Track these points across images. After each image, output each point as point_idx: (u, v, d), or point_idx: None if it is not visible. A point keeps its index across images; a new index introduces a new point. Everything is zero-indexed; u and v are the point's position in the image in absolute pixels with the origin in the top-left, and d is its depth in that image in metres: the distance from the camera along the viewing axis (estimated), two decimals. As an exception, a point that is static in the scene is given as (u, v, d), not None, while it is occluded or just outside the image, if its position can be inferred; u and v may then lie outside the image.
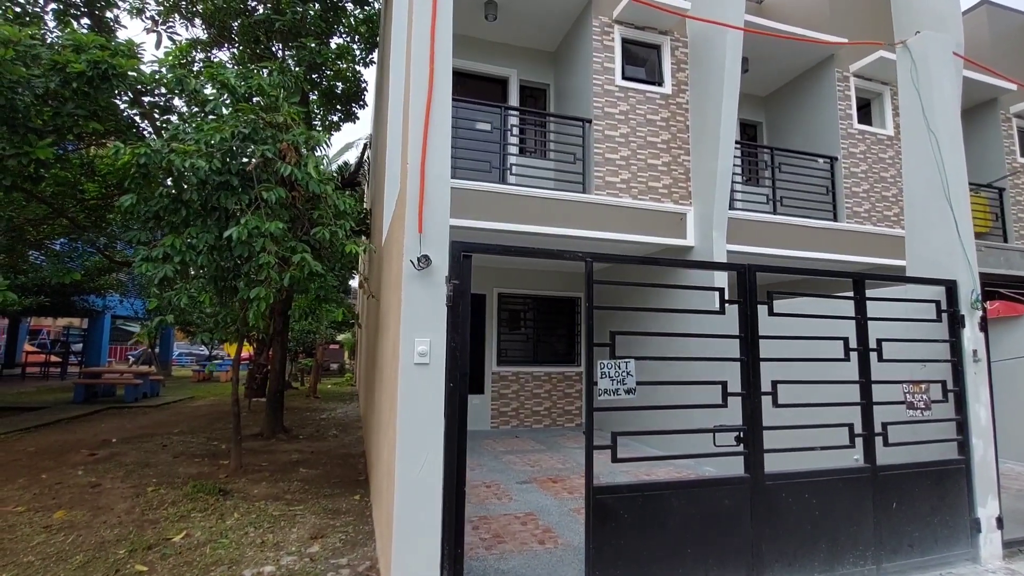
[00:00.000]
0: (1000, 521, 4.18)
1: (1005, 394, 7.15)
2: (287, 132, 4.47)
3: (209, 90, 4.94)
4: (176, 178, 4.25)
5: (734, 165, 8.84)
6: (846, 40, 8.57)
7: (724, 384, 3.49)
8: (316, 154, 4.94)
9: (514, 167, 7.83)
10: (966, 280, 4.34)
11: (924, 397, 4.07)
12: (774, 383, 3.60)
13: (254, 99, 5.01)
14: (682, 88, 7.80)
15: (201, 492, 5.28)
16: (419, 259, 2.82)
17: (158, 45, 6.09)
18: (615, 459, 3.19)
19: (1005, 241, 10.12)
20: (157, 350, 21.51)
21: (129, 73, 4.96)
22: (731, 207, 8.27)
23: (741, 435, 3.51)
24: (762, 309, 3.66)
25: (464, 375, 2.98)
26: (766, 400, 3.58)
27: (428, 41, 3.07)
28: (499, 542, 4.29)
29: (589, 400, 3.16)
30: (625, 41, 7.70)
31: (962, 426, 4.21)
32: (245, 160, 4.39)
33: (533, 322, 10.35)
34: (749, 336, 3.58)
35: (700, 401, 3.51)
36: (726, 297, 3.70)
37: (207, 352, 24.68)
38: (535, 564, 3.87)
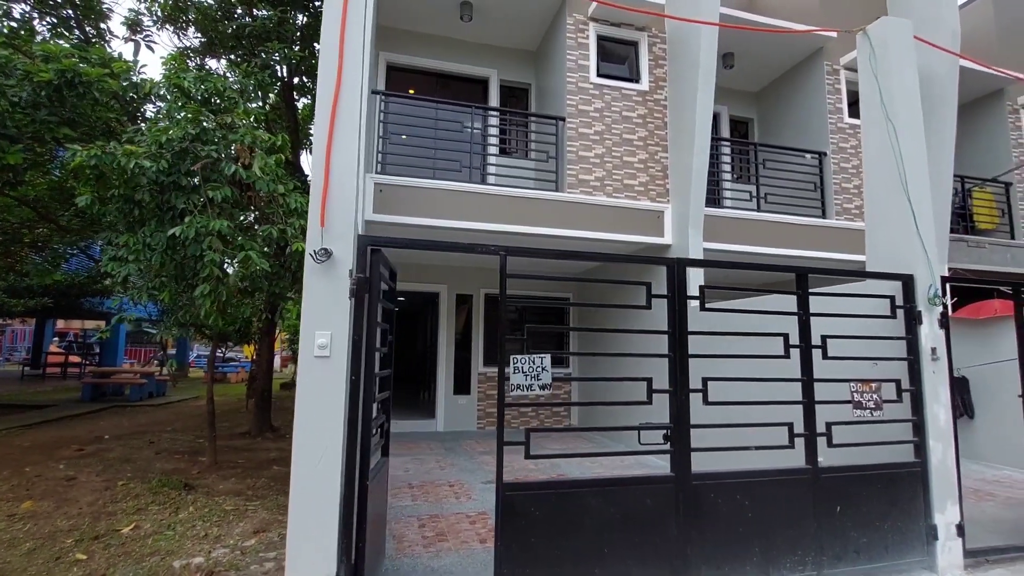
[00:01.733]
0: (961, 528, 3.99)
1: (1005, 397, 6.85)
2: (235, 132, 4.55)
3: (166, 93, 5.07)
4: (127, 179, 4.35)
5: (722, 163, 8.75)
6: (833, 31, 8.35)
7: (649, 381, 3.41)
8: (279, 155, 5.00)
9: (492, 167, 7.84)
10: (924, 275, 4.17)
11: (874, 397, 3.92)
12: (704, 380, 3.51)
13: (213, 101, 5.12)
14: (660, 84, 7.70)
15: (166, 487, 5.40)
16: (318, 252, 2.83)
17: (136, 53, 6.28)
18: (528, 456, 3.14)
19: (1012, 238, 9.71)
20: (174, 351, 22.06)
21: (100, 81, 5.11)
22: (719, 205, 8.16)
23: (668, 433, 3.43)
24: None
25: (371, 369, 2.99)
26: (696, 398, 3.49)
27: (338, 25, 3.08)
28: (440, 540, 4.27)
29: (500, 396, 3.13)
30: (601, 38, 7.63)
31: (919, 427, 4.04)
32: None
33: (522, 323, 10.31)
34: (677, 332, 3.50)
35: (635, 398, 3.44)
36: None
37: (222, 355, 25.20)
38: (467, 563, 3.84)
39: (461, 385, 9.69)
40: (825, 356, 3.83)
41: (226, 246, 4.53)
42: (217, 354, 26.55)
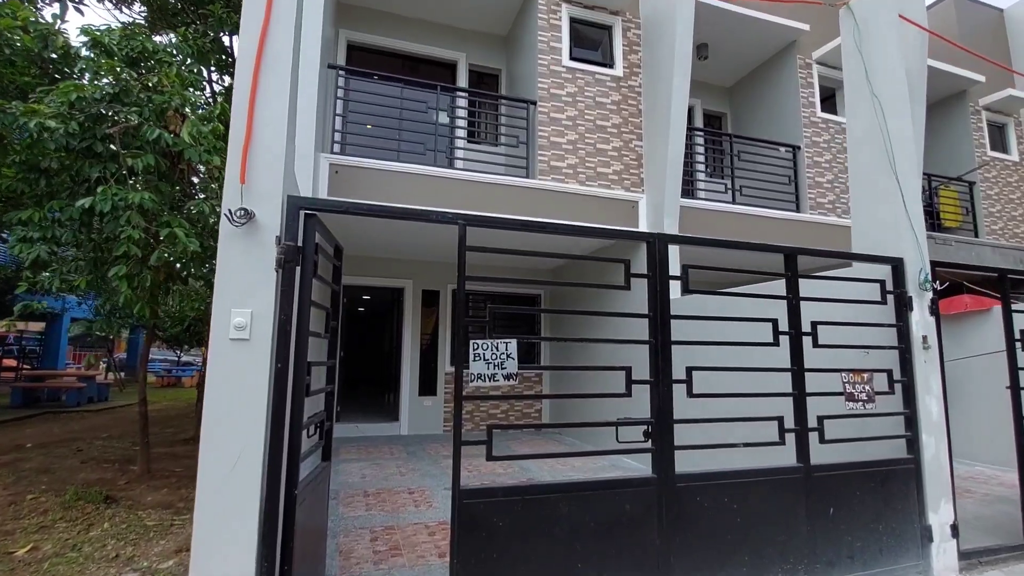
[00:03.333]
0: (955, 529, 3.73)
1: (973, 394, 6.75)
2: (162, 95, 3.99)
3: (88, 52, 4.46)
4: (30, 143, 3.75)
5: (696, 157, 8.51)
6: (806, 26, 8.25)
7: (628, 370, 3.02)
8: (217, 124, 4.44)
9: (460, 151, 7.40)
10: (913, 258, 3.92)
11: (866, 388, 3.63)
12: (689, 369, 3.14)
13: (142, 63, 4.53)
14: (635, 71, 7.40)
15: (82, 500, 4.74)
16: (235, 212, 2.34)
17: (63, 15, 5.61)
18: (489, 457, 2.71)
19: (976, 236, 9.79)
20: (123, 355, 20.78)
21: (9, 32, 4.46)
22: (694, 197, 7.90)
23: (649, 429, 3.04)
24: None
25: (303, 357, 2.50)
26: (681, 391, 3.11)
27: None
28: (394, 555, 3.79)
29: (458, 388, 2.69)
30: (574, 21, 7.29)
31: (911, 421, 3.77)
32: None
33: (491, 320, 9.86)
34: (659, 316, 3.12)
35: (612, 390, 3.04)
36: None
37: (178, 358, 23.95)
38: (423, 580, 3.37)
39: (427, 386, 9.17)
40: (816, 344, 3.52)
41: (150, 223, 3.95)
42: (172, 358, 25.23)
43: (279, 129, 2.52)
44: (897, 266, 3.92)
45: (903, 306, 3.89)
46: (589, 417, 7.47)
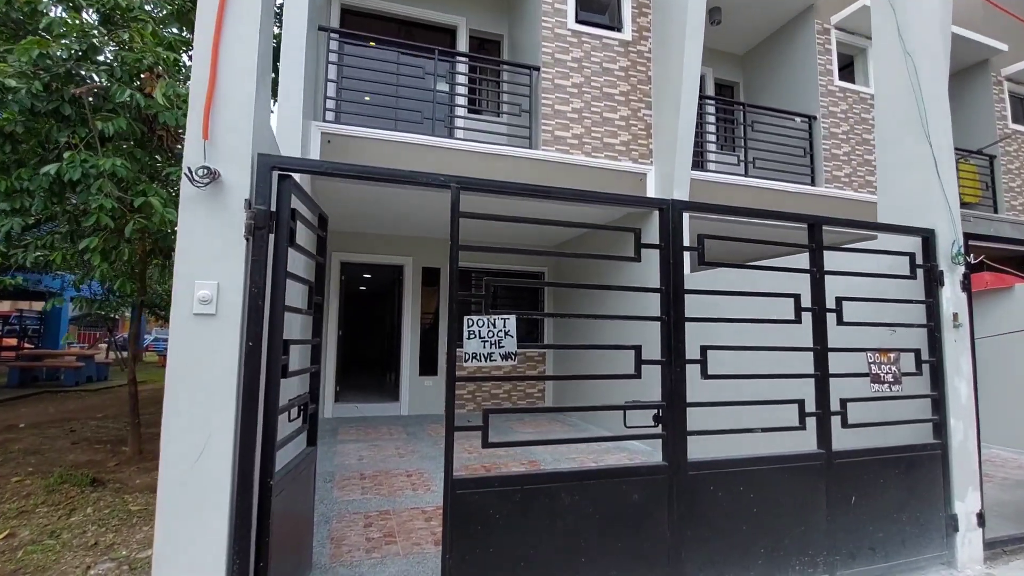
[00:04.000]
0: (981, 518, 3.51)
1: (992, 373, 6.48)
2: (133, 53, 3.68)
3: (58, 10, 4.13)
4: (-9, 104, 3.47)
5: (707, 128, 8.15)
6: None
7: (638, 349, 2.77)
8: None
9: (460, 121, 7.06)
10: (946, 230, 3.62)
11: (893, 369, 3.37)
12: (704, 348, 2.89)
13: (116, 18, 4.21)
14: (644, 34, 7.00)
15: (67, 483, 4.57)
16: (196, 171, 2.07)
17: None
18: (486, 444, 2.48)
19: (995, 211, 9.42)
20: (126, 336, 20.66)
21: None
22: (704, 169, 7.56)
23: (660, 413, 2.80)
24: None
25: (278, 333, 2.26)
26: (694, 372, 2.86)
27: None
28: (388, 542, 3.60)
29: (451, 368, 2.44)
30: (580, -20, 6.88)
31: (939, 404, 3.52)
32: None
33: (493, 298, 9.62)
34: (672, 290, 2.85)
35: (621, 370, 2.79)
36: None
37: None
38: (416, 571, 3.17)
39: (427, 366, 8.98)
40: (840, 321, 3.25)
41: (124, 192, 3.68)
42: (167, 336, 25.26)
43: (247, 79, 2.23)
44: (928, 238, 3.63)
45: (933, 281, 3.61)
46: (596, 398, 7.24)
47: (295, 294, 2.65)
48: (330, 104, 6.05)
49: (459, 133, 6.86)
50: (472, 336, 2.47)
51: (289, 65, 4.78)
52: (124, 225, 3.61)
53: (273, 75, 6.23)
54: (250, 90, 2.23)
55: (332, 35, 6.09)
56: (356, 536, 3.68)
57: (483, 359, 2.46)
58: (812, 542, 3.02)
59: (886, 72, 4.04)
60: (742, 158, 7.54)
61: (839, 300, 3.27)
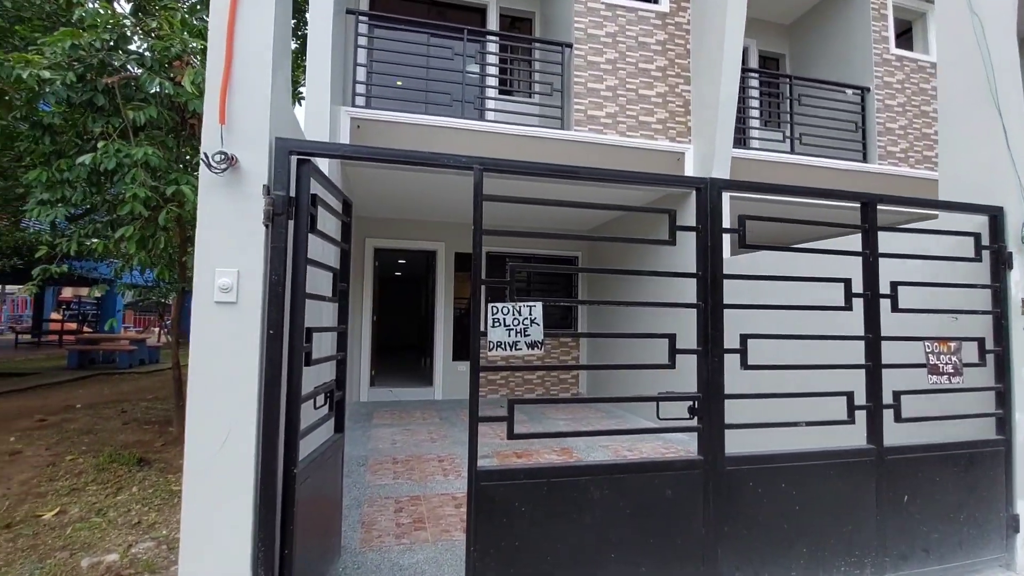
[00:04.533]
0: (1048, 518, 3.24)
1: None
2: (161, 41, 3.70)
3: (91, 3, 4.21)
4: (31, 97, 3.55)
5: (751, 104, 7.74)
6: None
7: (672, 338, 2.63)
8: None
9: (491, 102, 6.92)
10: (1016, 208, 3.30)
11: (953, 359, 3.11)
12: (744, 337, 2.72)
13: (149, 8, 4.26)
14: (682, 5, 6.67)
15: (116, 462, 4.77)
16: (214, 156, 2.03)
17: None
18: (511, 435, 2.40)
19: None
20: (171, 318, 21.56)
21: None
22: (747, 147, 7.21)
23: (695, 405, 2.66)
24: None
25: (299, 320, 2.22)
26: (733, 362, 2.70)
27: None
28: (417, 528, 3.61)
29: (475, 356, 2.37)
30: (614, -49, 6.57)
31: (1003, 397, 3.24)
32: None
33: (526, 283, 9.53)
34: (710, 275, 2.69)
35: (654, 359, 2.66)
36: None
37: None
38: (444, 558, 3.16)
39: (461, 351, 9.00)
40: (895, 308, 3.02)
41: (157, 180, 3.74)
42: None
43: (263, 61, 2.17)
44: (996, 216, 3.32)
45: (1000, 264, 3.30)
46: (631, 386, 7.12)
47: (319, 281, 2.62)
48: (360, 89, 6.01)
49: (490, 115, 6.72)
50: (497, 324, 2.38)
51: (317, 51, 4.75)
52: (158, 214, 3.67)
53: (302, 62, 6.22)
54: (266, 72, 2.18)
55: (361, 18, 6.03)
56: (386, 521, 3.70)
57: (508, 348, 2.38)
58: (859, 542, 2.84)
59: (949, 36, 3.69)
60: (788, 134, 7.14)
61: (894, 285, 3.03)
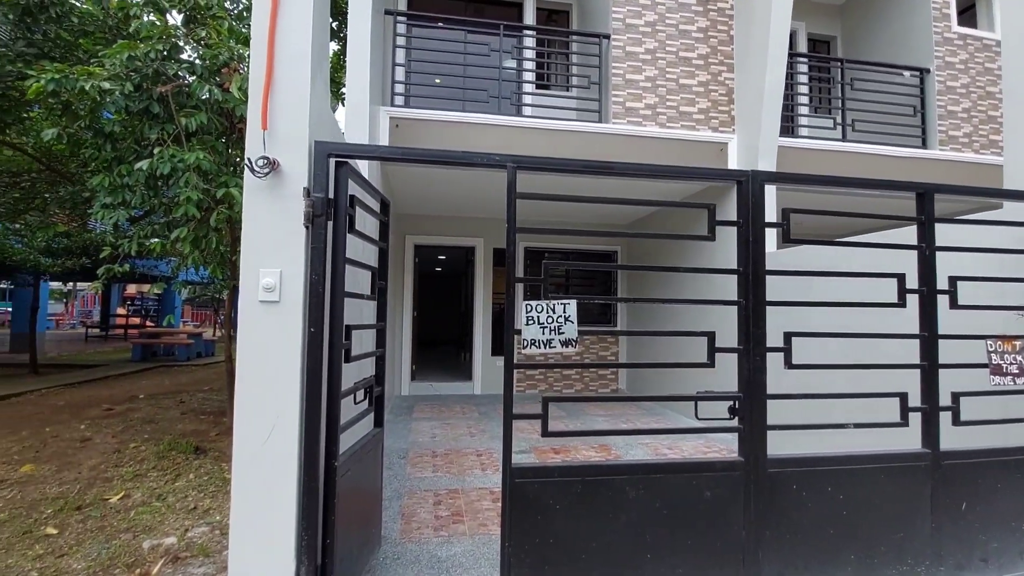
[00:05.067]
0: None
1: None
2: (210, 49, 3.87)
3: (146, 15, 4.42)
4: (93, 107, 3.78)
5: (800, 91, 7.44)
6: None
7: (711, 336, 2.57)
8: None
9: (528, 98, 6.90)
10: (1096, 195, 3.05)
11: (1018, 359, 2.92)
12: (788, 335, 2.63)
13: (198, 17, 4.46)
14: (725, -9, 6.45)
15: (174, 450, 5.06)
16: (257, 161, 2.12)
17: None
18: (545, 433, 2.41)
19: None
20: (221, 316, 22.59)
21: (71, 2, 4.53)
22: (795, 135, 6.94)
23: (735, 405, 2.60)
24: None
25: (339, 318, 2.29)
26: (776, 360, 2.62)
27: None
28: (455, 521, 3.67)
29: (508, 355, 2.39)
30: (653, -63, 6.42)
31: (1078, 400, 3.01)
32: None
33: (565, 278, 9.50)
34: (751, 271, 2.61)
35: (694, 357, 2.61)
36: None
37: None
38: (481, 552, 3.21)
39: (500, 346, 9.06)
40: (954, 305, 2.85)
41: (209, 183, 3.91)
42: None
43: (302, 67, 2.24)
44: (1070, 205, 3.08)
45: (1075, 256, 3.07)
46: (675, 383, 7.00)
47: (358, 280, 2.69)
48: (399, 88, 6.10)
49: (527, 110, 6.71)
50: (531, 322, 2.39)
51: (357, 53, 4.84)
52: (210, 216, 3.85)
53: (344, 63, 6.36)
54: (305, 78, 2.25)
55: (399, 18, 6.11)
56: (426, 513, 3.78)
57: (543, 345, 2.38)
58: (912, 550, 2.70)
59: (1015, 10, 3.43)
60: (839, 121, 6.82)
61: (953, 280, 2.85)
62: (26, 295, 12.09)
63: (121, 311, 24.43)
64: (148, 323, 20.60)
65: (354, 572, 2.58)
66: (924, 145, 6.94)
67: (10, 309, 16.47)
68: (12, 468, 4.58)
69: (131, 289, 26.68)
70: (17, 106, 4.73)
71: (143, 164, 3.63)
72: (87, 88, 3.50)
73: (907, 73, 7.09)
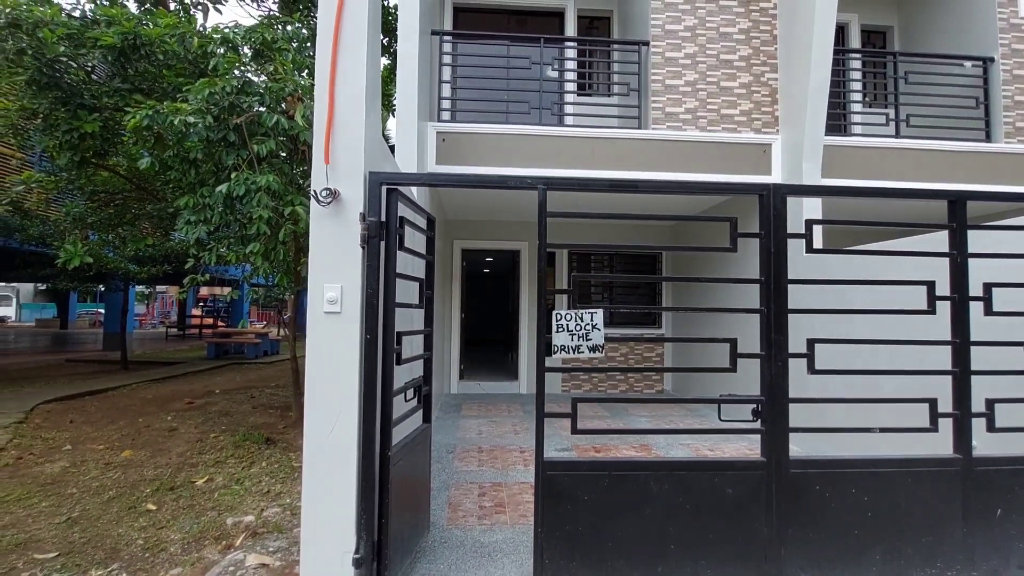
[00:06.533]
0: None
1: None
2: (277, 82, 4.32)
3: (221, 51, 4.95)
4: (180, 137, 4.30)
5: (852, 87, 7.26)
6: None
7: (733, 342, 2.72)
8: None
9: (569, 107, 7.10)
10: None
11: (1061, 365, 2.88)
12: (810, 341, 2.74)
13: (265, 53, 4.94)
14: (768, -10, 6.41)
15: (248, 440, 5.60)
16: (321, 192, 2.46)
17: (205, 17, 6.32)
18: (575, 431, 2.64)
19: None
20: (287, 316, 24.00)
21: (161, 42, 5.12)
22: (845, 132, 6.80)
23: (758, 408, 2.73)
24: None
25: (391, 326, 2.61)
26: (799, 365, 2.73)
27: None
28: (498, 511, 3.94)
29: (540, 359, 2.63)
30: (693, -59, 6.46)
31: None
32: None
33: (574, 290, 9.61)
34: (773, 280, 2.73)
35: (720, 362, 2.78)
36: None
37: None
38: (520, 540, 3.46)
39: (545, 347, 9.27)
40: (988, 311, 2.85)
41: (277, 202, 4.36)
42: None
43: (358, 108, 2.56)
44: (1122, 208, 3.00)
45: None
46: (714, 386, 7.03)
47: (408, 290, 3.00)
48: (445, 104, 6.44)
49: (568, 119, 6.90)
50: (560, 329, 2.62)
51: (406, 72, 5.20)
52: (278, 231, 4.30)
53: (392, 78, 6.76)
54: (360, 118, 2.57)
55: (445, 38, 6.45)
56: (470, 503, 4.08)
57: (571, 351, 2.60)
58: (942, 554, 2.75)
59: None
60: (893, 116, 6.63)
61: (987, 286, 2.86)
62: (117, 299, 13.37)
63: (196, 312, 26.35)
64: (220, 323, 22.14)
65: (405, 550, 2.90)
66: (988, 138, 6.63)
67: (103, 311, 18.15)
68: (115, 453, 5.23)
69: (204, 291, 28.76)
70: (115, 136, 5.38)
71: (222, 188, 4.12)
72: (175, 122, 4.02)
73: (968, 63, 6.78)
